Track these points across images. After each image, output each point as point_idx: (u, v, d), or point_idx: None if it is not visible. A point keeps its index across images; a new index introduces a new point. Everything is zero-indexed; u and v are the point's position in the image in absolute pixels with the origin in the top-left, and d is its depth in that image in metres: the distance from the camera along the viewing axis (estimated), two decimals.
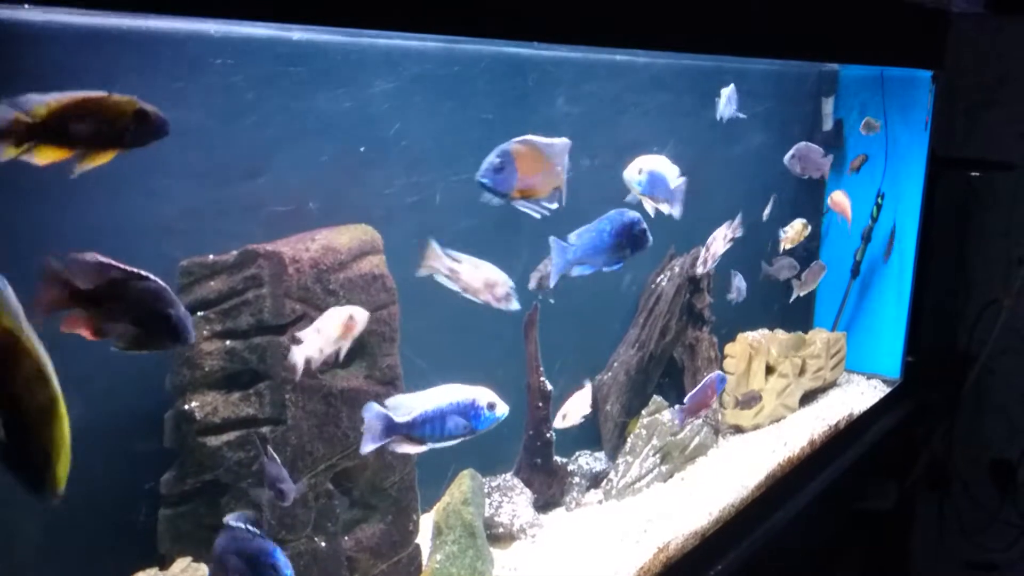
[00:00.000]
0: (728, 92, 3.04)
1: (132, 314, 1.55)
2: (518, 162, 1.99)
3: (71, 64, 1.81)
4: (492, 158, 1.98)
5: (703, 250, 3.22)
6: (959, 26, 4.35)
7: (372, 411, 1.91)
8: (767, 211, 3.57)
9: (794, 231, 3.72)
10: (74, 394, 1.88)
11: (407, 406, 1.95)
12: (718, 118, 3.03)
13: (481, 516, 2.59)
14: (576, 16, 2.22)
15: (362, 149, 2.40)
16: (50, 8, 1.47)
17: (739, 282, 3.45)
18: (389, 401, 1.95)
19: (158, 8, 1.47)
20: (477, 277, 2.20)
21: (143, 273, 1.54)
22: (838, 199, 3.93)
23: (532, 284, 2.60)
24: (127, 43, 1.80)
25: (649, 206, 2.52)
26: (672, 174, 2.54)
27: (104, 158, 1.52)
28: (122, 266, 1.53)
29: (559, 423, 2.83)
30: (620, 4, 2.33)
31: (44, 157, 1.47)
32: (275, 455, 2.00)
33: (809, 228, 3.77)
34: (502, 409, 2.06)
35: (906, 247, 4.28)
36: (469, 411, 2.01)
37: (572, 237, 2.34)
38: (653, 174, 2.50)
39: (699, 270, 3.27)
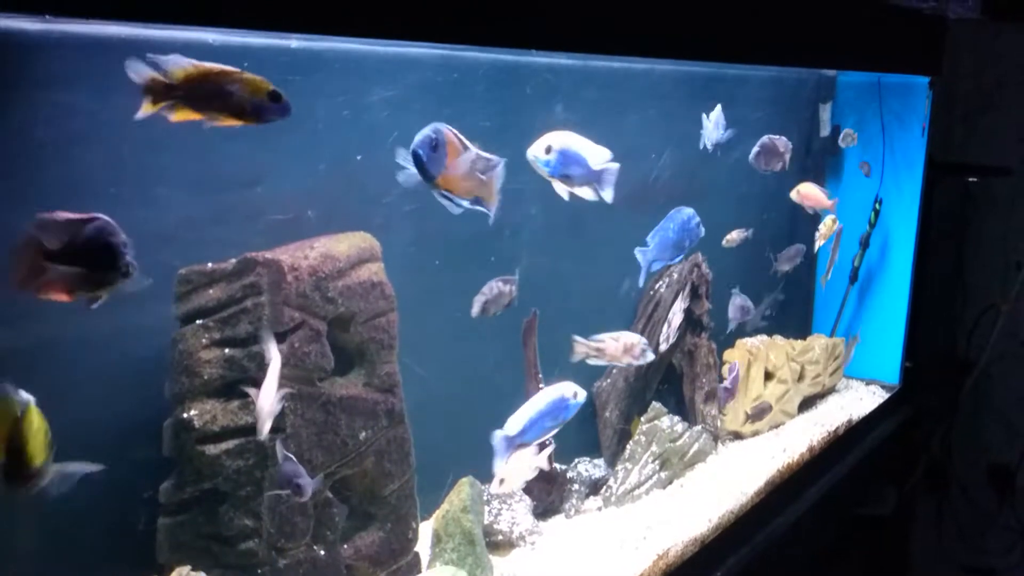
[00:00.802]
0: (715, 116, 2.85)
1: (78, 257, 1.57)
2: (448, 147, 1.94)
3: (69, 71, 1.81)
4: (428, 132, 1.91)
5: (664, 326, 3.21)
6: (956, 32, 4.36)
7: (497, 437, 2.24)
8: (734, 236, 3.41)
9: (826, 227, 3.75)
10: (73, 402, 1.88)
11: (517, 421, 2.27)
12: (702, 146, 2.86)
13: (480, 524, 2.59)
14: (573, 23, 2.22)
15: (358, 158, 2.40)
16: (50, 18, 1.47)
17: (742, 301, 3.40)
18: (507, 423, 2.27)
19: (158, 18, 1.47)
20: (618, 348, 2.64)
21: (92, 215, 1.58)
22: (807, 191, 3.67)
23: (475, 310, 2.47)
24: (126, 52, 1.80)
25: (562, 189, 2.28)
26: (595, 155, 2.28)
27: (232, 122, 1.64)
28: (75, 216, 1.56)
29: (495, 488, 2.38)
30: (619, 11, 2.33)
31: (180, 116, 1.59)
32: (290, 454, 2.01)
33: (839, 225, 3.81)
34: (582, 395, 2.40)
35: (904, 252, 4.28)
36: (560, 405, 2.35)
37: (649, 241, 2.74)
38: (566, 153, 2.24)
39: (663, 347, 3.26)
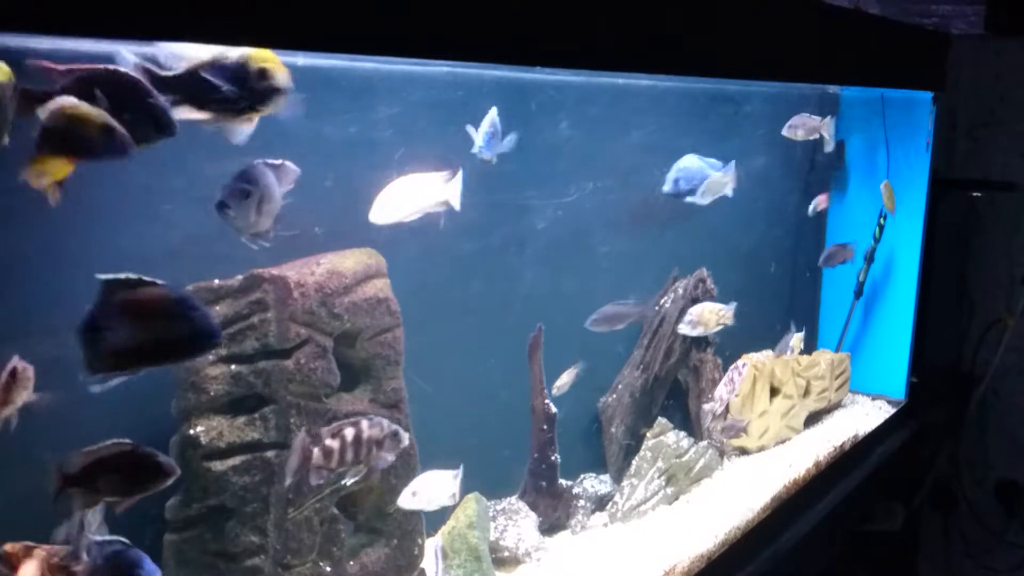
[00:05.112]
0: (488, 122, 2.42)
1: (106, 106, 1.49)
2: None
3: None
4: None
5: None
6: (959, 48, 4.37)
7: None
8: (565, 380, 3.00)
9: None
10: (79, 420, 1.88)
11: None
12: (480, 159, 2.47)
13: (486, 540, 2.58)
14: (576, 40, 2.23)
15: (366, 173, 2.41)
16: (56, 36, 1.48)
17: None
18: None
19: (166, 35, 1.49)
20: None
21: (110, 68, 1.52)
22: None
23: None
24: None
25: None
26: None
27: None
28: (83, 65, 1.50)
29: (407, 502, 2.30)
30: (624, 27, 2.34)
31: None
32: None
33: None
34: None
35: (909, 267, 4.29)
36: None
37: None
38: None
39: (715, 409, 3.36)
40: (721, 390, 3.22)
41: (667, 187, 3.02)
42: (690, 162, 3.01)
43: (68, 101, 1.46)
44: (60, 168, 1.48)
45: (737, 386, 3.21)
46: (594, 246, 3.12)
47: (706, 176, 3.01)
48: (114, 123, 1.48)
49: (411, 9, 1.74)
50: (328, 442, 2.00)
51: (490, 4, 1.91)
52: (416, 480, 2.30)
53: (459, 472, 2.35)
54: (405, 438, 2.10)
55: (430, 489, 2.30)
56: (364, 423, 2.04)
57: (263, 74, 1.69)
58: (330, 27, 1.64)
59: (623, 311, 2.96)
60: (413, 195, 2.27)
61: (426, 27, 1.83)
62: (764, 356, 3.78)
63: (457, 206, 2.31)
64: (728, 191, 3.05)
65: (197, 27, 1.45)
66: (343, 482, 2.14)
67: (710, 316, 3.16)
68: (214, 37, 1.53)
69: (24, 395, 1.59)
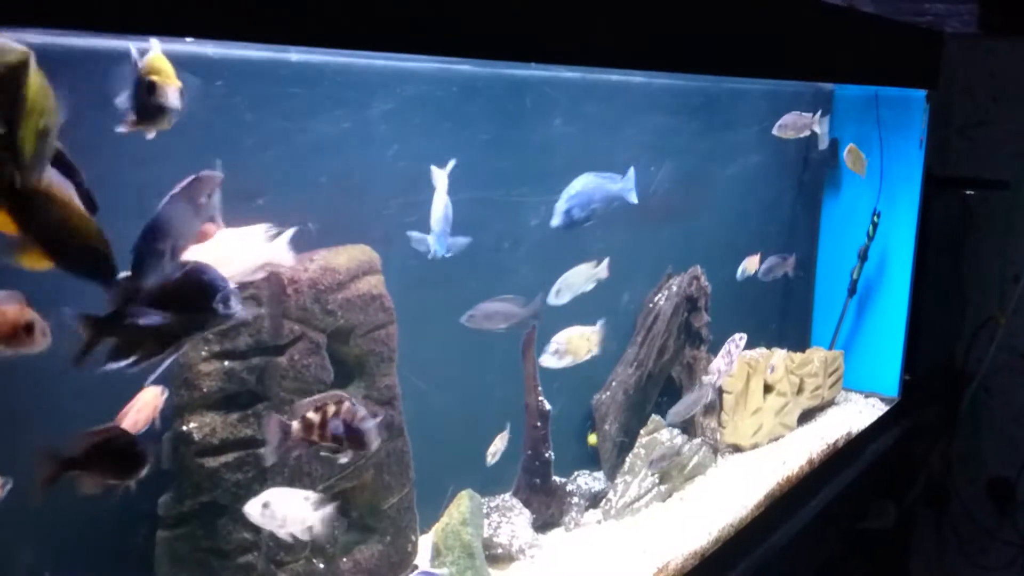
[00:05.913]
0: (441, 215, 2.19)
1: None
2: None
3: (69, 83, 1.81)
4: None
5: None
6: (953, 47, 4.38)
7: None
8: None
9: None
10: (73, 415, 1.88)
11: None
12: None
13: (480, 537, 2.58)
14: (572, 37, 2.23)
15: (360, 170, 2.41)
16: (45, 30, 1.47)
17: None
18: None
19: (160, 31, 1.48)
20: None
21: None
22: None
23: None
24: (127, 64, 1.81)
25: None
26: None
27: None
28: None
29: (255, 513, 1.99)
30: (620, 24, 2.34)
31: None
32: None
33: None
34: None
35: (903, 265, 4.29)
36: None
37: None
38: None
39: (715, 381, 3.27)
40: (718, 362, 3.18)
41: (556, 220, 2.51)
42: (584, 184, 2.51)
43: None
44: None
45: (735, 358, 3.16)
46: (588, 243, 3.11)
47: (607, 193, 2.53)
48: None
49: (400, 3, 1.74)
50: (309, 415, 1.93)
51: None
52: (269, 492, 1.99)
53: (325, 505, 2.03)
54: (374, 438, 1.95)
55: (283, 509, 1.98)
56: (345, 404, 1.96)
57: (151, 89, 1.60)
58: (322, 22, 1.63)
59: (506, 310, 2.50)
60: (221, 259, 1.77)
61: (424, 23, 1.82)
62: (758, 354, 3.79)
63: (287, 263, 1.93)
64: (599, 277, 2.69)
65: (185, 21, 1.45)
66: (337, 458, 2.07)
67: (580, 343, 2.71)
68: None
69: (28, 350, 1.56)
